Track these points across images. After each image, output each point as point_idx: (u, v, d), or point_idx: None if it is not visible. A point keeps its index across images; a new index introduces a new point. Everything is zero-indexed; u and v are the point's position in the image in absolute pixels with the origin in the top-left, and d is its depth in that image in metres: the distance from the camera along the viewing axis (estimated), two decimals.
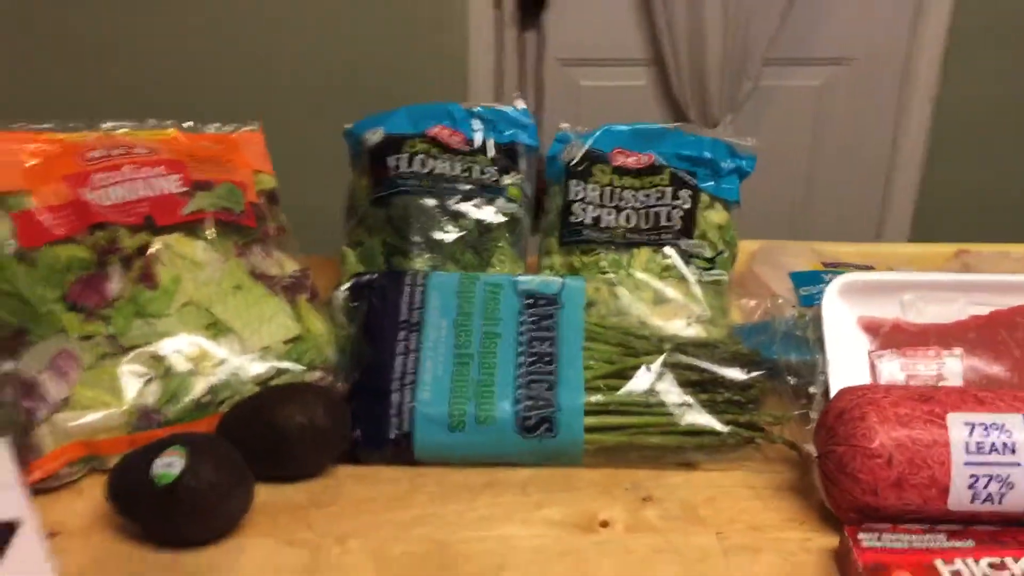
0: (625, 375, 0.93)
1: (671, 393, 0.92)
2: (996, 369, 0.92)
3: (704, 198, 1.09)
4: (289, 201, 1.11)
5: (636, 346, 0.95)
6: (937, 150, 2.88)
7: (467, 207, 1.07)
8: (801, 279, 1.10)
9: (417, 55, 2.63)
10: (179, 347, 0.92)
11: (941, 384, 0.92)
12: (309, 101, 2.60)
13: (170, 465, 0.78)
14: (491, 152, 1.12)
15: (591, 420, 0.90)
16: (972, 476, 0.78)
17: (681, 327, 1.00)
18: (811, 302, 1.06)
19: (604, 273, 1.04)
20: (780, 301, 1.01)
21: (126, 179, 1.00)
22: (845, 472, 0.80)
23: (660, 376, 0.92)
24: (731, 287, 1.09)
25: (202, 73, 2.59)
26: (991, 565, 0.75)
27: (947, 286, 0.98)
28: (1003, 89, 2.80)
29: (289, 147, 1.20)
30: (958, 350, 0.93)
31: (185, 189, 1.01)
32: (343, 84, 2.61)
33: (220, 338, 0.94)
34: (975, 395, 0.82)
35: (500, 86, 2.75)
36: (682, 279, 1.03)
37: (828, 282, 1.07)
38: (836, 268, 1.13)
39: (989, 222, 2.90)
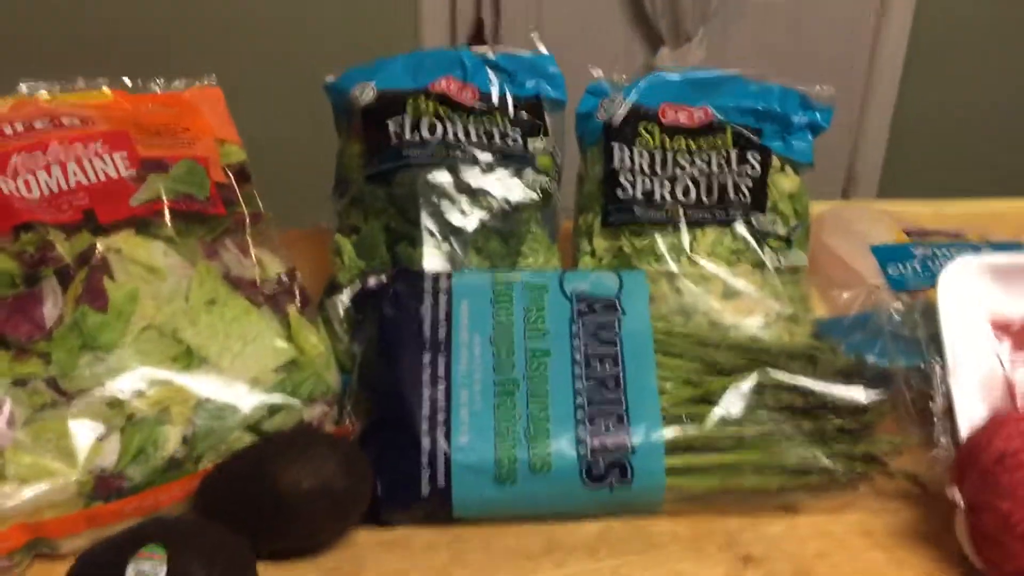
0: (710, 399, 0.75)
1: (770, 422, 0.74)
2: None
3: (774, 161, 0.90)
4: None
5: (719, 360, 0.76)
6: (915, 67, 2.71)
7: (489, 182, 0.86)
8: (886, 254, 0.93)
9: None
10: (140, 387, 0.71)
11: None
12: (228, 44, 2.29)
13: (146, 574, 0.58)
14: (512, 109, 0.91)
15: (673, 460, 0.72)
16: None
17: (758, 326, 0.82)
18: (901, 284, 0.89)
19: (661, 261, 0.84)
20: (881, 291, 0.83)
21: (56, 161, 0.78)
22: (1012, 533, 0.64)
23: (754, 400, 0.74)
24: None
25: (111, 15, 2.25)
26: None
27: None
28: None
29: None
30: None
31: (133, 172, 0.79)
32: (273, 16, 2.32)
33: (193, 371, 0.73)
34: None
35: None
36: (756, 265, 0.85)
37: (920, 258, 0.90)
38: (922, 238, 0.95)
39: (962, 143, 2.77)
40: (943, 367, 0.77)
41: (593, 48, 2.59)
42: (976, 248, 0.92)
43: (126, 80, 0.88)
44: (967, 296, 0.79)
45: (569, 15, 2.57)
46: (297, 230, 0.99)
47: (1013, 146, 2.77)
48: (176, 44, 2.23)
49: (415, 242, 0.85)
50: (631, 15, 2.60)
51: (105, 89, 0.87)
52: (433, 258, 0.84)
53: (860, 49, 2.73)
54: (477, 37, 2.59)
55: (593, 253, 0.88)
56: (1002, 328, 0.79)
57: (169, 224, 0.78)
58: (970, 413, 0.75)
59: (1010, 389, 0.76)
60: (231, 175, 0.85)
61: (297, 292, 0.81)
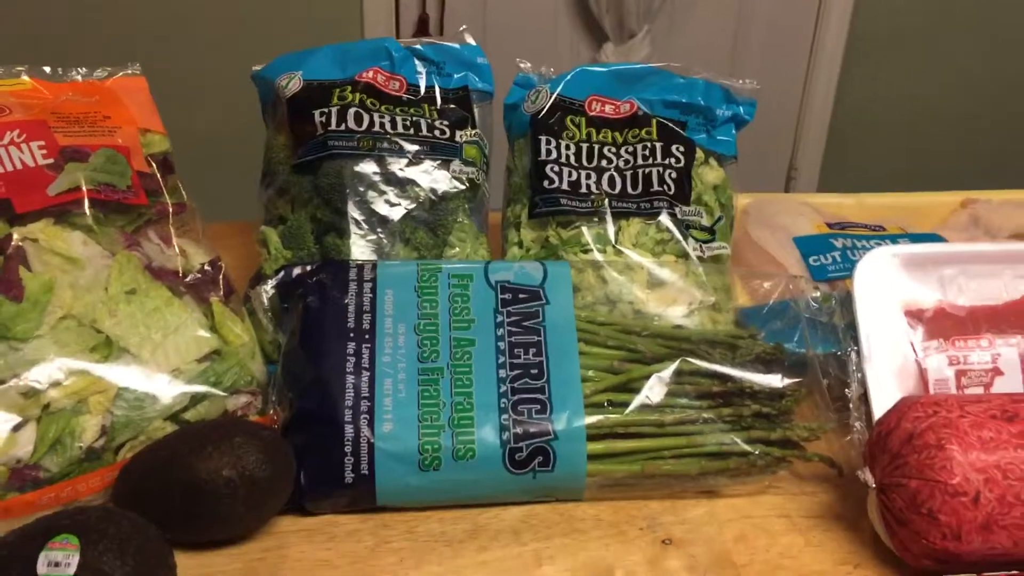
0: (631, 387, 0.76)
1: (689, 409, 0.75)
2: None
3: (698, 154, 0.91)
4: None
5: (641, 348, 0.77)
6: (853, 62, 2.75)
7: (416, 172, 0.87)
8: (808, 245, 0.94)
9: None
10: (57, 377, 0.70)
11: (997, 379, 0.79)
12: (160, 30, 2.25)
13: (59, 564, 0.58)
14: (439, 100, 0.91)
15: (594, 447, 0.73)
16: None
17: (681, 314, 0.83)
18: (823, 274, 0.91)
19: (587, 251, 0.85)
20: (800, 280, 0.85)
21: None
22: (919, 512, 0.65)
23: (674, 387, 0.75)
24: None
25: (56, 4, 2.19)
26: None
27: (992, 258, 0.84)
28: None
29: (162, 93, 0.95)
30: (1015, 338, 0.79)
31: (51, 161, 0.78)
32: (216, 8, 2.28)
33: (112, 361, 0.72)
34: None
35: None
36: (680, 255, 0.86)
37: (840, 249, 0.92)
38: (843, 230, 0.97)
39: (899, 135, 2.82)
40: (858, 354, 0.79)
41: (537, 44, 2.59)
42: (895, 239, 0.95)
43: (45, 68, 0.87)
44: (882, 286, 0.82)
45: (513, 10, 2.58)
46: (226, 223, 0.99)
47: (948, 139, 2.83)
48: (110, 33, 2.19)
49: (342, 232, 0.84)
50: (576, 11, 2.62)
51: (24, 77, 0.86)
52: (360, 248, 0.84)
53: (800, 45, 2.77)
54: (422, 33, 2.58)
55: (521, 244, 0.88)
56: (915, 316, 0.81)
57: (88, 213, 0.77)
58: (884, 399, 0.77)
59: (922, 375, 0.78)
60: (154, 165, 0.84)
61: (221, 282, 0.81)
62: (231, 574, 0.68)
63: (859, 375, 0.78)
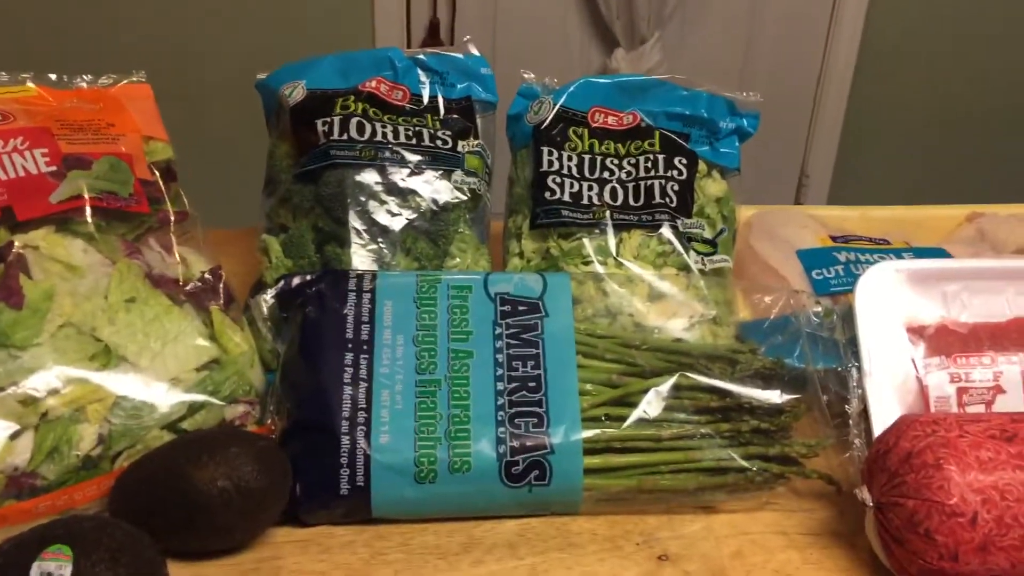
0: (629, 401, 0.75)
1: (687, 424, 0.75)
2: None
3: (701, 166, 0.91)
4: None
5: (640, 362, 0.77)
6: (865, 72, 2.74)
7: (417, 183, 0.87)
8: (811, 258, 0.94)
9: None
10: (55, 385, 0.70)
11: (999, 397, 0.78)
12: (179, 39, 2.26)
13: (52, 575, 0.58)
14: (442, 111, 0.91)
15: (591, 461, 0.73)
16: None
17: (682, 327, 0.83)
18: (826, 288, 0.91)
19: (588, 263, 0.85)
20: (802, 294, 0.84)
21: None
22: (916, 532, 0.65)
23: (672, 402, 0.75)
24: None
25: (64, 14, 2.20)
26: None
27: (995, 274, 0.83)
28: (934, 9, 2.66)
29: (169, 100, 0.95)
30: (1016, 356, 0.79)
31: (54, 168, 0.78)
32: (229, 16, 2.29)
33: (111, 369, 0.73)
34: None
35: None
36: (681, 268, 0.86)
37: (844, 263, 0.92)
38: (847, 243, 0.97)
39: (910, 145, 2.81)
40: (859, 370, 0.79)
41: (548, 47, 2.60)
42: (899, 254, 0.94)
43: (51, 75, 0.87)
44: (883, 301, 0.81)
45: (524, 14, 2.58)
46: (228, 231, 0.99)
47: (960, 149, 2.82)
48: (116, 41, 2.21)
49: (343, 242, 0.85)
50: (587, 17, 2.62)
51: (29, 84, 0.86)
52: (361, 258, 0.84)
53: (812, 52, 2.76)
54: (432, 38, 2.59)
55: (522, 255, 0.88)
56: (916, 332, 0.80)
57: (90, 221, 0.77)
58: (884, 415, 0.76)
59: (923, 392, 0.78)
60: (157, 173, 0.85)
61: (221, 290, 0.81)
62: None
63: (859, 391, 0.78)
